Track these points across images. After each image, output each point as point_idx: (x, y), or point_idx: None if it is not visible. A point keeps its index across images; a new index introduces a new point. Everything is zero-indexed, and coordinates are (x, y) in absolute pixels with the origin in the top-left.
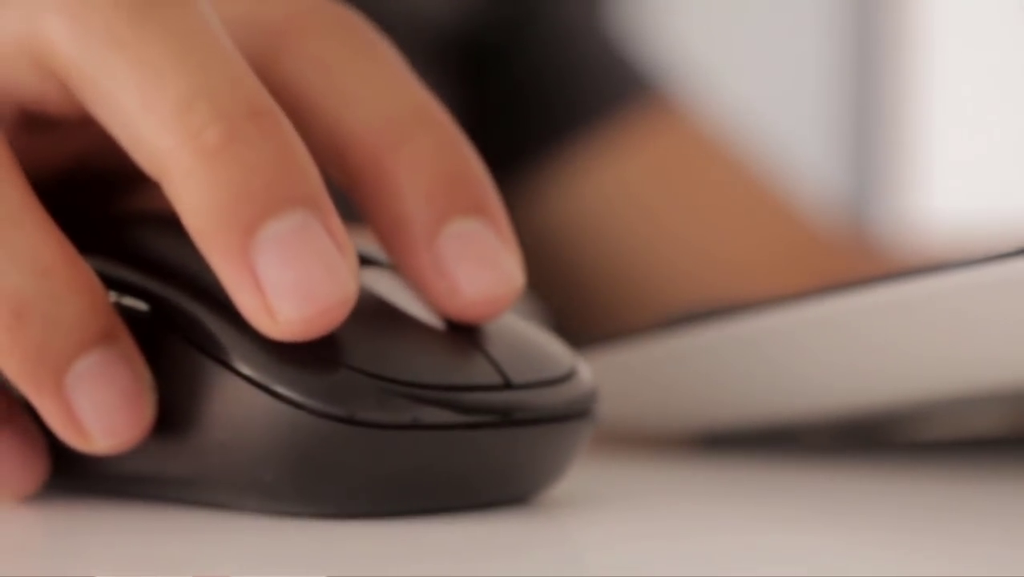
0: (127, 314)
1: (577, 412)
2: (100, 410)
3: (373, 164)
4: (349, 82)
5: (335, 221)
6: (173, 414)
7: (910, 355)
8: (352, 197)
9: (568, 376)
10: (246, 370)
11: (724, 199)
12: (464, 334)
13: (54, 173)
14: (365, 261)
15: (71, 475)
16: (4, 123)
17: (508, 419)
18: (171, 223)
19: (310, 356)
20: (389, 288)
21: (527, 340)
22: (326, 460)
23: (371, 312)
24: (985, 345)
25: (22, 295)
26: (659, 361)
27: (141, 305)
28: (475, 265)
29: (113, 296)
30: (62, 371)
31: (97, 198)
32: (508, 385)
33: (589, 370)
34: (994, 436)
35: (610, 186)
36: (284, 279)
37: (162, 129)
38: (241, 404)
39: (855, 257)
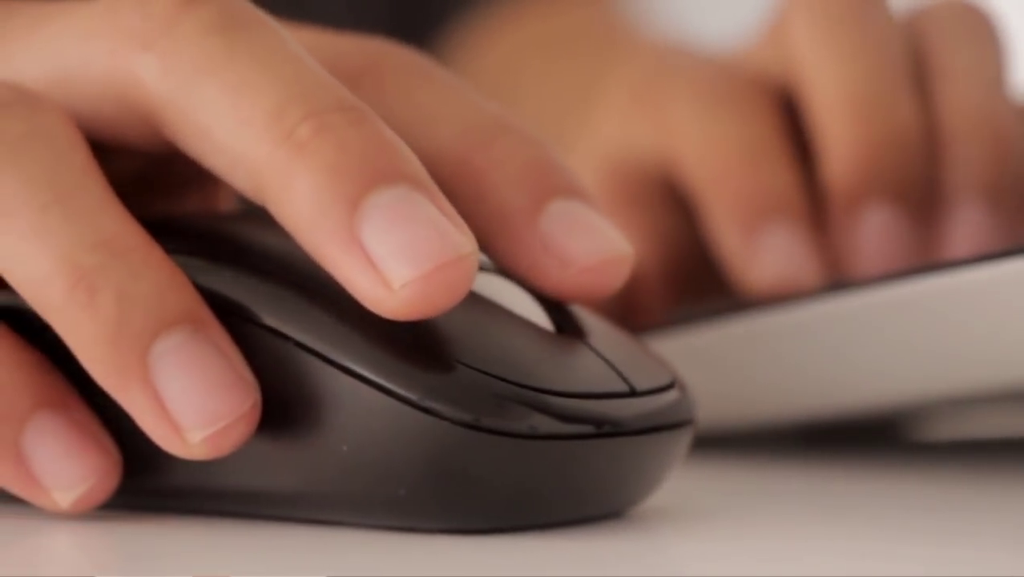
0: (222, 312)
1: (689, 418)
2: (190, 395)
3: (464, 166)
4: (429, 105)
5: (442, 199)
6: (280, 421)
7: (911, 355)
8: None
9: (675, 381)
10: (369, 374)
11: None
12: (579, 339)
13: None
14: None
15: (157, 490)
16: None
17: (635, 427)
18: (260, 220)
19: (436, 361)
20: (503, 293)
21: (630, 345)
22: (464, 471)
23: (488, 317)
24: (986, 345)
25: (96, 272)
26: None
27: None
28: (580, 235)
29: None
30: (144, 349)
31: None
32: (633, 392)
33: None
34: (994, 436)
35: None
36: (393, 241)
37: (257, 140)
38: (364, 409)
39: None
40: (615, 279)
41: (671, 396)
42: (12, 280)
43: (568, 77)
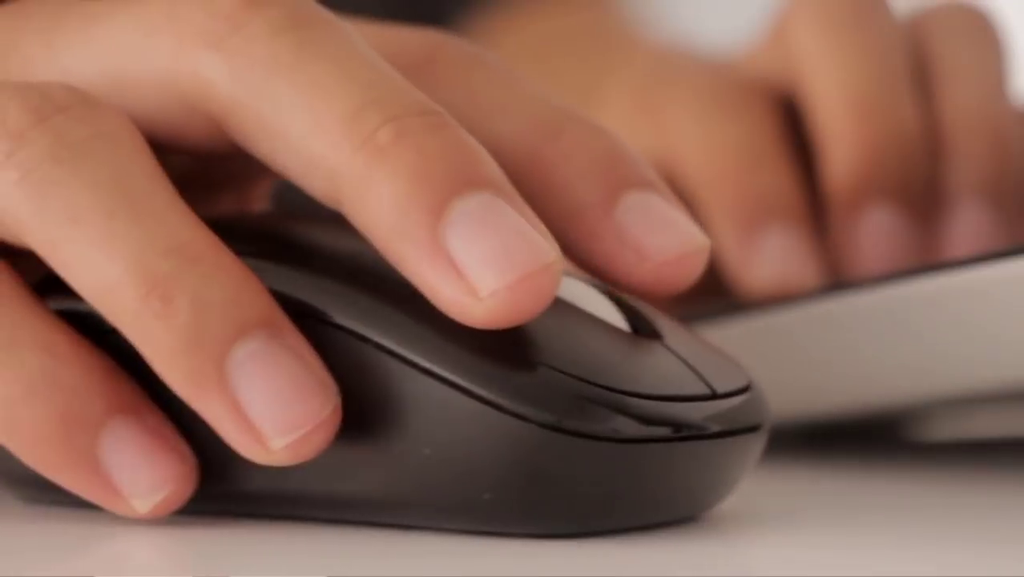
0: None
1: (765, 421)
2: (271, 402)
3: (534, 158)
4: (490, 97)
5: (524, 205)
6: (360, 425)
7: (911, 355)
8: None
9: (751, 383)
10: (451, 375)
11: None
12: (656, 341)
13: None
14: None
15: (232, 495)
16: None
17: (717, 430)
18: (322, 220)
19: (518, 362)
20: (577, 294)
21: (705, 346)
22: (547, 474)
23: (567, 318)
24: (986, 345)
25: (169, 279)
26: None
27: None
28: (658, 228)
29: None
30: (221, 356)
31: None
32: (714, 395)
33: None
34: (994, 436)
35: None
36: (481, 249)
37: (334, 144)
38: (446, 412)
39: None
40: (693, 272)
41: (748, 398)
42: (81, 288)
43: (568, 79)
